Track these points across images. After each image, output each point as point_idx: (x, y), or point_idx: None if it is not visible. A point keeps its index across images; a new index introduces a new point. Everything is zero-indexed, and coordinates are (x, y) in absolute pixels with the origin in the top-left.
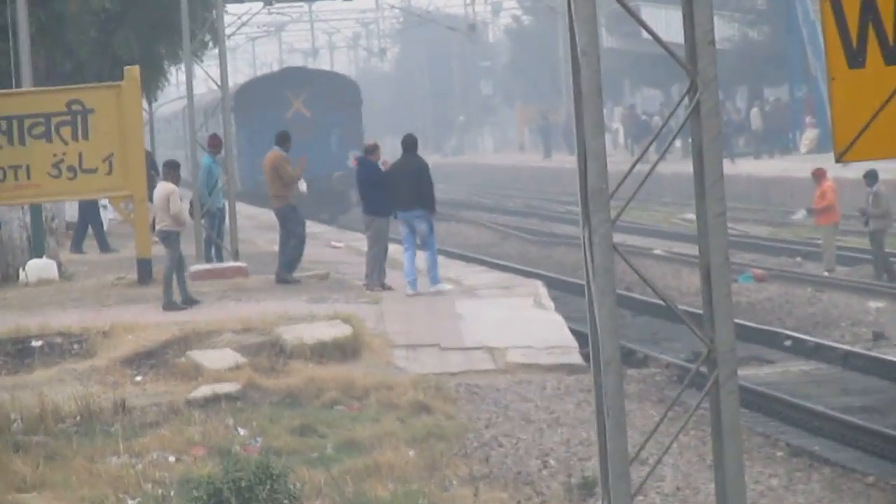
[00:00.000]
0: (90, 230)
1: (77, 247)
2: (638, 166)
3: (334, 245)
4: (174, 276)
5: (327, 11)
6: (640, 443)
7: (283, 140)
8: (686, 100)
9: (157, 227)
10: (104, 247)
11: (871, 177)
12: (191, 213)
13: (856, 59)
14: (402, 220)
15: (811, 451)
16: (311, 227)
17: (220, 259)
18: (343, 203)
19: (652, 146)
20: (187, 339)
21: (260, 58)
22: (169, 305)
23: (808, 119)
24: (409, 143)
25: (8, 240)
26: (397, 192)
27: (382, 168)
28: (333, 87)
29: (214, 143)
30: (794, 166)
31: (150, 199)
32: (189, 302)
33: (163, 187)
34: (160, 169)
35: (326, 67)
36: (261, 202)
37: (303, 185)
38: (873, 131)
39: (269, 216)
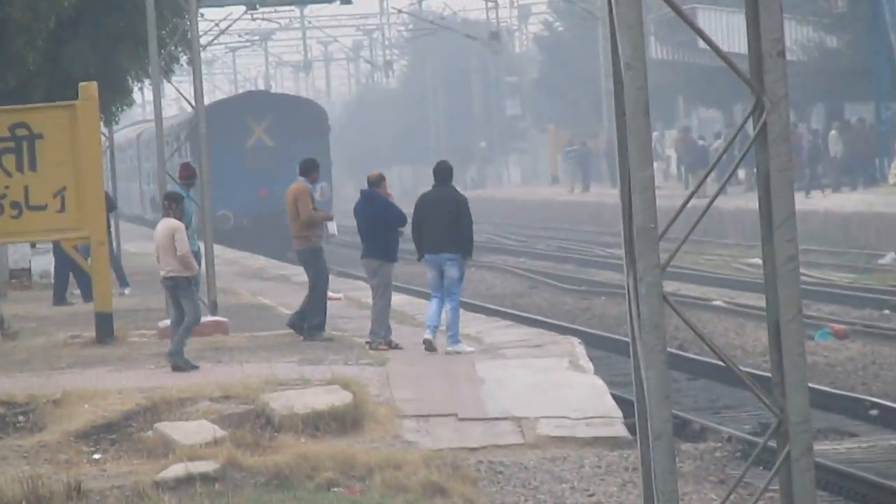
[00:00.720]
0: (72, 276)
1: (60, 298)
2: (693, 201)
3: (332, 296)
4: (177, 330)
5: (322, 17)
6: None
7: (309, 169)
8: (750, 122)
9: (164, 274)
10: (89, 296)
11: None
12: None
13: None
14: (429, 264)
15: None
16: (300, 274)
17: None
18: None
19: (710, 177)
20: (156, 408)
21: (242, 72)
22: (182, 363)
23: None
24: (444, 173)
25: None
26: (426, 231)
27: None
28: (299, 112)
29: (187, 174)
30: (882, 200)
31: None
32: (182, 366)
33: (166, 225)
34: (160, 202)
35: (322, 83)
36: (227, 241)
37: (333, 227)
38: None
39: (252, 261)
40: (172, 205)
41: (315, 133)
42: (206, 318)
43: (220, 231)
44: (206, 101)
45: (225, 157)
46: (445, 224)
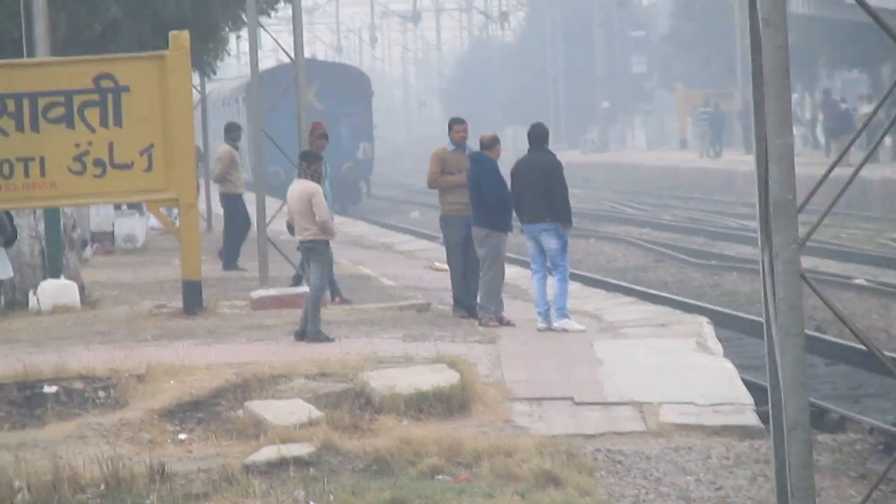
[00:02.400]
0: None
1: (230, 261)
2: (836, 170)
3: (437, 267)
4: (317, 303)
5: None
6: None
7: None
8: None
9: (301, 238)
10: (228, 263)
11: None
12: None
13: None
14: (527, 235)
15: None
16: (406, 242)
17: (334, 289)
18: (353, 194)
19: (854, 145)
20: (246, 386)
21: (345, 22)
22: (315, 336)
23: None
24: (538, 136)
25: (16, 255)
26: (522, 199)
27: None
28: (345, 78)
29: (319, 133)
30: None
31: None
32: (320, 337)
33: (302, 186)
34: (297, 162)
35: (431, 35)
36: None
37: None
38: None
39: (352, 227)
40: (311, 165)
41: (360, 97)
42: (300, 289)
43: (273, 186)
44: (306, 53)
45: (278, 118)
46: (538, 192)
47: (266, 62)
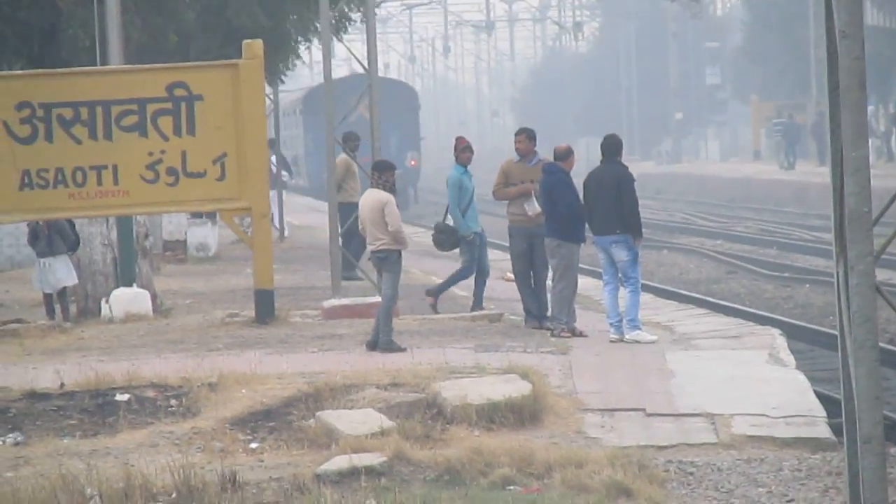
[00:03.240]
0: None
1: (349, 269)
2: None
3: (508, 277)
4: (390, 312)
5: None
6: None
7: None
8: None
9: (373, 249)
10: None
11: None
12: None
13: None
14: (598, 247)
15: None
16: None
17: (479, 298)
18: (403, 200)
19: None
20: (318, 395)
21: (418, 31)
22: (387, 345)
23: None
24: (611, 147)
25: (88, 263)
26: (593, 211)
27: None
28: (394, 92)
29: (463, 147)
30: None
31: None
32: (392, 347)
33: (375, 196)
34: (369, 171)
35: (505, 45)
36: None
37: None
38: None
39: (425, 237)
40: (382, 175)
41: (407, 110)
42: (373, 299)
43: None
44: (379, 63)
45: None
46: (609, 203)
47: (338, 71)
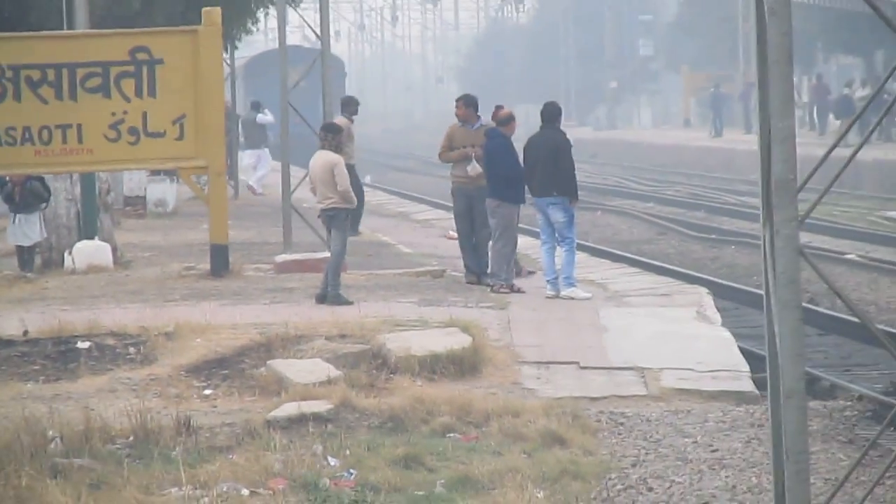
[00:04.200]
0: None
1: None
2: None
3: (451, 235)
4: (338, 265)
5: None
6: (826, 493)
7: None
8: None
9: (322, 207)
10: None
11: None
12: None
13: None
14: (536, 208)
15: None
16: (422, 212)
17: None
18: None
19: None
20: (269, 345)
21: (367, 2)
22: (335, 299)
23: None
24: (550, 114)
25: (52, 217)
26: (532, 174)
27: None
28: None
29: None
30: None
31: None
32: (340, 300)
33: (324, 157)
34: (319, 134)
35: (450, 15)
36: None
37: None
38: None
39: (371, 196)
40: (332, 137)
41: (336, 77)
42: (322, 255)
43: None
44: (331, 30)
45: (270, 94)
46: (547, 167)
47: (292, 38)
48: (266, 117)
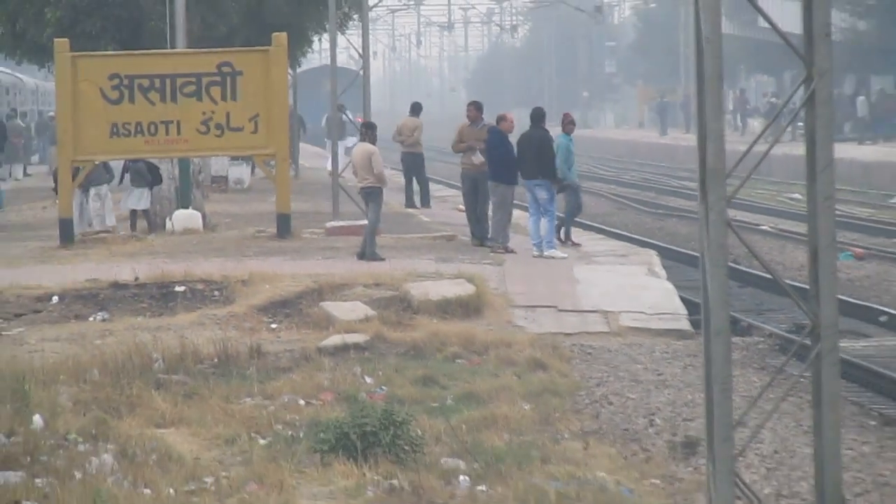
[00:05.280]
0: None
1: (409, 202)
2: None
3: (460, 209)
4: (374, 232)
5: None
6: (743, 407)
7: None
8: (801, 89)
9: (361, 185)
10: (425, 202)
11: None
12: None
13: None
14: (526, 188)
15: None
16: (439, 190)
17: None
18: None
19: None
20: (321, 290)
21: (398, 29)
22: (372, 256)
23: None
24: (537, 116)
25: (156, 191)
26: (522, 162)
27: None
28: (349, 75)
29: (569, 121)
30: None
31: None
32: (375, 257)
33: (363, 148)
34: (360, 130)
35: (461, 40)
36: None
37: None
38: None
39: (398, 178)
40: (369, 132)
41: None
42: (361, 222)
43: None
44: (371, 50)
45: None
46: (533, 157)
47: (339, 58)
48: (350, 115)
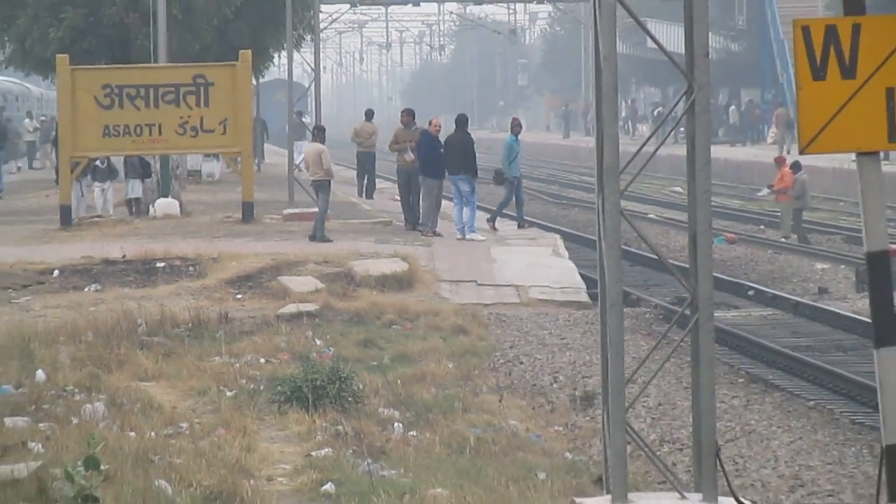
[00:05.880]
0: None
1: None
2: (635, 147)
3: (396, 199)
4: (323, 218)
5: (399, 13)
6: (633, 367)
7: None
8: (683, 99)
9: (313, 178)
10: (370, 194)
11: (796, 166)
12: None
13: (818, 73)
14: (451, 182)
15: (766, 379)
16: (378, 183)
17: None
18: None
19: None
20: (278, 267)
21: (345, 48)
22: (321, 238)
23: (774, 116)
24: (461, 121)
25: (148, 182)
26: (449, 160)
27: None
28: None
29: (516, 122)
30: (762, 153)
31: (261, 155)
32: (324, 239)
33: (315, 147)
34: (312, 132)
35: (397, 57)
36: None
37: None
38: (829, 132)
39: (342, 174)
40: (320, 133)
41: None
42: (312, 209)
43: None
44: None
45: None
46: (458, 155)
47: (295, 71)
48: (306, 120)
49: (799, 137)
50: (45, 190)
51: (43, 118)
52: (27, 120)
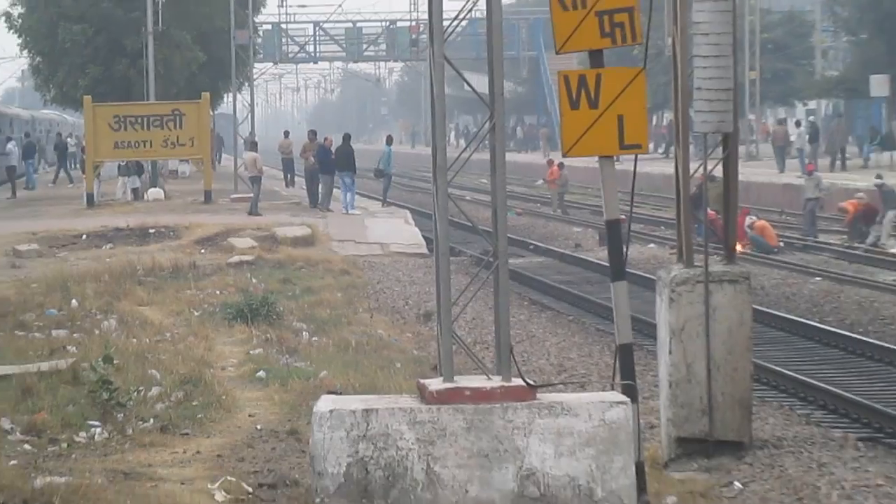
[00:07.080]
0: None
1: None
2: (462, 154)
3: (303, 188)
4: (257, 200)
5: (305, 68)
6: (456, 295)
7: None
8: (488, 123)
9: (249, 175)
10: (290, 185)
11: (561, 165)
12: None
13: (575, 104)
14: (339, 176)
15: (542, 303)
16: (297, 180)
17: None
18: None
19: (463, 144)
20: (228, 231)
21: (270, 90)
22: (255, 213)
23: (540, 134)
24: (346, 138)
25: (143, 178)
26: (338, 162)
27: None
28: (229, 117)
29: (388, 139)
30: (537, 158)
31: (218, 159)
32: (257, 214)
33: (250, 154)
34: (247, 145)
35: (303, 98)
36: None
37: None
38: (582, 142)
39: (270, 172)
40: (254, 145)
41: (230, 123)
42: (249, 195)
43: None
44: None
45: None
46: (344, 159)
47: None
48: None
49: (562, 145)
50: (75, 183)
51: (59, 134)
52: (69, 139)
